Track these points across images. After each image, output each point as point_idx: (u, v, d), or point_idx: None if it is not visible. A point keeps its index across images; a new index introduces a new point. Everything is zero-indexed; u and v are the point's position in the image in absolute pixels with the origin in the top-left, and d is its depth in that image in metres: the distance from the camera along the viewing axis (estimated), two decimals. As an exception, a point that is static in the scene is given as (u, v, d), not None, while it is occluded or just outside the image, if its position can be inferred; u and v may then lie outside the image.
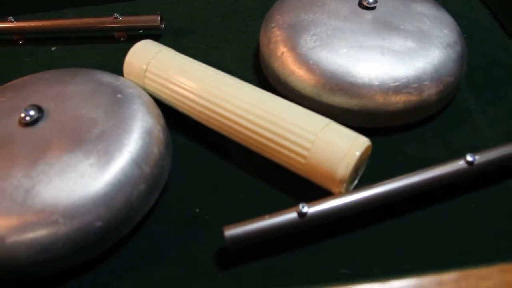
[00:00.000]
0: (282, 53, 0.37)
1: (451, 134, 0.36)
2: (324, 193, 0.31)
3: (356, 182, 0.33)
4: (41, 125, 0.32)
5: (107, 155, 0.31)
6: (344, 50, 0.35)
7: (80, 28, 0.44)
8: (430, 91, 0.34)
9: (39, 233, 0.28)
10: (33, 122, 0.32)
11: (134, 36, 0.45)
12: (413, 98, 0.34)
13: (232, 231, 0.29)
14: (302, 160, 0.30)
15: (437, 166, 0.31)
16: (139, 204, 0.31)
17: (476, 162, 0.31)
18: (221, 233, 0.30)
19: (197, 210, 0.33)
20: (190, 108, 0.35)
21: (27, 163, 0.30)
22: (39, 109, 0.33)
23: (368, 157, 0.32)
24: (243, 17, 0.47)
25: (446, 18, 0.38)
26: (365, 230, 0.31)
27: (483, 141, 0.35)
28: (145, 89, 0.37)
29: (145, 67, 0.36)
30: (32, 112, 0.32)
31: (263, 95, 0.33)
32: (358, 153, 0.29)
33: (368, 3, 0.38)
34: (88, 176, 0.30)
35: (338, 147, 0.29)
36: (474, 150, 0.32)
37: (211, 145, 0.37)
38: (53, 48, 0.45)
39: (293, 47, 0.36)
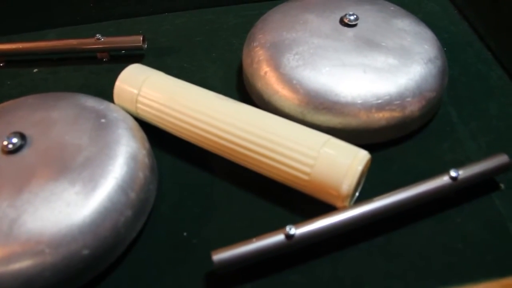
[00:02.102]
0: (265, 72, 0.37)
1: (435, 148, 0.36)
2: (311, 213, 0.31)
3: (357, 194, 0.33)
4: (25, 152, 0.32)
5: (92, 182, 0.30)
6: (327, 68, 0.35)
7: (62, 49, 0.43)
8: (413, 107, 0.35)
9: (25, 264, 0.27)
10: (16, 149, 0.32)
11: (116, 56, 0.45)
12: (396, 114, 0.35)
13: (220, 256, 0.29)
14: (306, 177, 0.31)
15: (421, 183, 0.32)
16: (126, 230, 0.31)
17: (460, 177, 0.32)
18: (209, 256, 0.30)
19: (185, 233, 0.33)
20: (188, 132, 0.35)
21: (11, 193, 0.30)
22: (22, 136, 0.32)
23: (368, 170, 0.33)
24: (225, 35, 0.47)
25: (426, 33, 0.39)
26: (352, 249, 0.31)
27: (466, 155, 0.36)
28: (137, 115, 0.37)
29: (136, 92, 0.36)
30: (15, 140, 0.32)
31: (261, 114, 0.33)
32: (360, 168, 0.30)
33: (350, 20, 0.38)
34: (74, 204, 0.29)
35: (340, 163, 0.30)
36: (458, 164, 0.32)
37: (196, 167, 0.37)
38: (35, 70, 0.45)
39: (276, 67, 0.36)
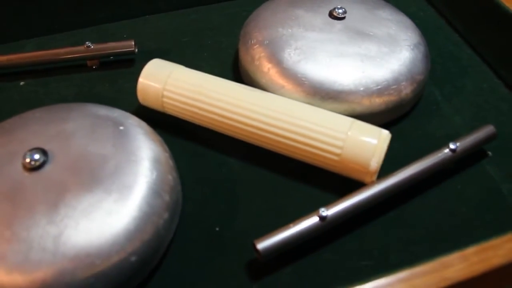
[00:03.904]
0: (269, 69, 0.39)
1: (426, 126, 0.40)
2: (334, 195, 0.34)
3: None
4: (48, 168, 0.32)
5: (127, 189, 0.31)
6: (327, 60, 0.38)
7: (51, 60, 0.42)
8: (407, 90, 0.38)
9: (77, 279, 0.28)
10: (40, 166, 0.31)
11: (106, 63, 0.45)
12: (393, 98, 0.38)
13: (264, 244, 0.31)
14: (336, 158, 0.34)
15: (426, 157, 0.35)
16: (165, 232, 0.32)
17: (458, 148, 0.36)
18: (246, 247, 0.32)
19: (217, 228, 0.34)
20: (218, 122, 0.37)
21: (47, 209, 0.30)
22: (43, 152, 0.32)
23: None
24: (212, 34, 0.48)
25: (406, 21, 0.42)
26: (372, 224, 0.35)
27: (455, 129, 0.40)
28: (163, 110, 0.38)
29: (161, 87, 0.37)
30: (36, 156, 0.31)
31: (288, 102, 0.36)
32: (386, 146, 0.34)
33: (338, 13, 0.41)
34: (115, 212, 0.30)
35: (368, 143, 0.33)
36: (449, 137, 0.37)
37: (213, 163, 0.38)
38: (22, 83, 0.43)
39: (279, 62, 0.38)
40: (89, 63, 0.44)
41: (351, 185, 0.35)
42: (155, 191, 0.32)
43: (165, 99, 0.38)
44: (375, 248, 0.33)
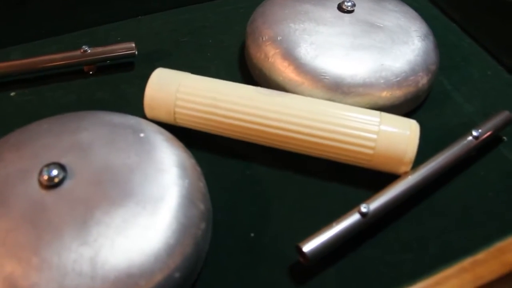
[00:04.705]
0: (285, 65, 0.37)
1: (441, 114, 0.41)
2: (365, 191, 0.34)
3: None
4: (69, 183, 0.29)
5: (161, 200, 0.29)
6: (345, 54, 0.37)
7: (45, 67, 0.39)
8: (423, 81, 0.38)
9: (121, 301, 0.26)
10: (59, 182, 0.29)
11: (103, 67, 0.42)
12: (412, 89, 0.38)
13: (309, 246, 0.30)
14: (369, 157, 0.33)
15: (453, 146, 0.35)
16: (204, 243, 0.30)
17: (480, 135, 0.36)
18: (284, 251, 0.30)
19: (252, 234, 0.33)
20: (238, 133, 0.35)
21: (76, 229, 0.27)
22: (61, 167, 0.29)
23: None
24: (211, 33, 0.46)
25: (412, 12, 0.42)
26: (406, 216, 0.34)
27: (467, 116, 0.40)
28: (175, 122, 0.36)
29: (172, 98, 0.35)
30: (54, 172, 0.29)
31: (312, 102, 0.34)
32: (417, 136, 0.33)
33: (347, 6, 0.40)
34: (152, 227, 0.28)
35: (401, 134, 0.33)
36: (464, 126, 0.37)
37: (237, 168, 0.36)
38: (12, 94, 0.40)
39: (296, 58, 0.37)
40: (85, 68, 0.41)
41: (379, 179, 0.34)
42: (190, 200, 0.30)
43: (177, 115, 0.35)
44: (413, 240, 0.33)
